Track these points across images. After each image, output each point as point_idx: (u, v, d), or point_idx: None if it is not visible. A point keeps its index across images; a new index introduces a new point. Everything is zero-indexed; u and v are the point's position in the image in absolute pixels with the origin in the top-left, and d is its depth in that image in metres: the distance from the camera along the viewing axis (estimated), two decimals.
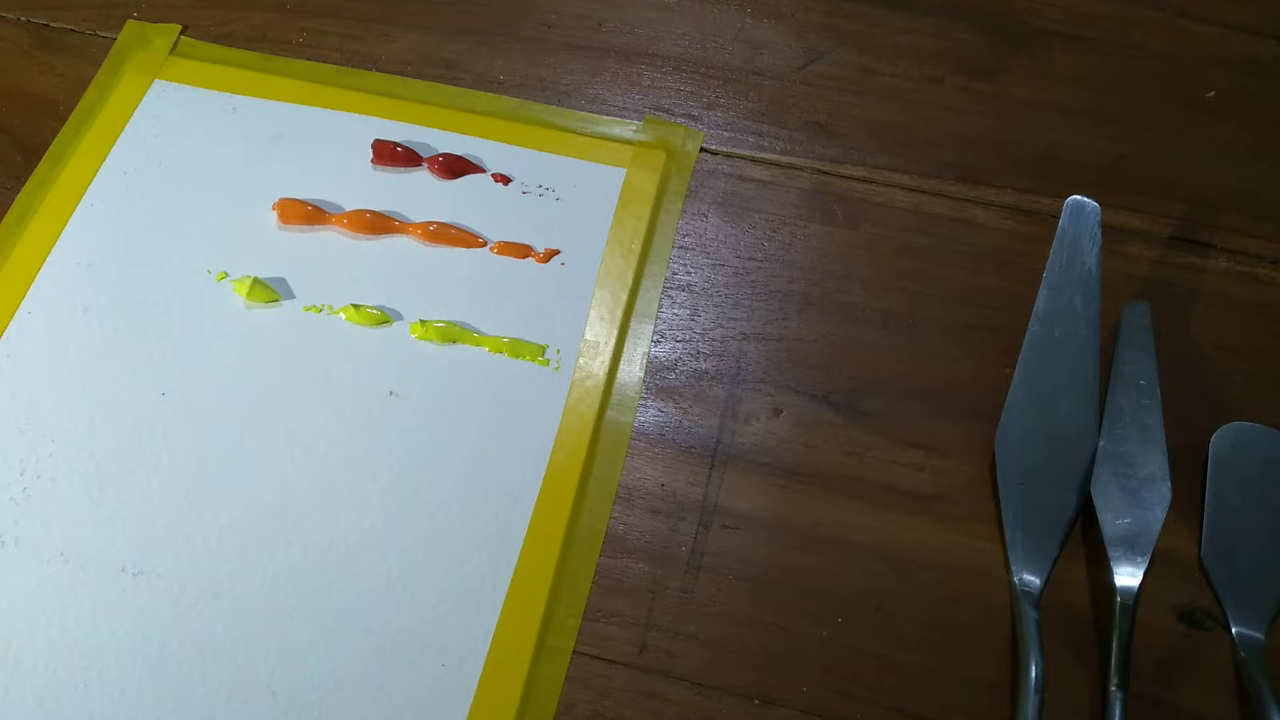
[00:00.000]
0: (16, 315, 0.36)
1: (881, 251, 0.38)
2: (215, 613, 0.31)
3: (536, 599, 0.32)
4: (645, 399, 0.35)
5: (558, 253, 0.37)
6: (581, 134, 0.40)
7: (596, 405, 0.35)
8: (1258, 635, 0.31)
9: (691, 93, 0.41)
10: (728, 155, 0.40)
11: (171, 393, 0.35)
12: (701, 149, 0.40)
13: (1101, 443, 0.32)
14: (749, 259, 0.38)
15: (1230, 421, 0.33)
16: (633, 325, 0.36)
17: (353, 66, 0.42)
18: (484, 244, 0.38)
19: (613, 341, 0.36)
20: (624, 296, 0.36)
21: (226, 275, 0.37)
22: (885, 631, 0.31)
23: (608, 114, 0.40)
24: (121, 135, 0.40)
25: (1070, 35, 0.42)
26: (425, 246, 0.38)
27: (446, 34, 0.43)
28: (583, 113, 0.40)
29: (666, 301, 0.37)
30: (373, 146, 0.39)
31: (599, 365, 0.35)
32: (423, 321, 0.36)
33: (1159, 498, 0.31)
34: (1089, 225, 0.34)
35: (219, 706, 0.30)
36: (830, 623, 0.31)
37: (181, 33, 0.43)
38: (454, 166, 0.39)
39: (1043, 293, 0.34)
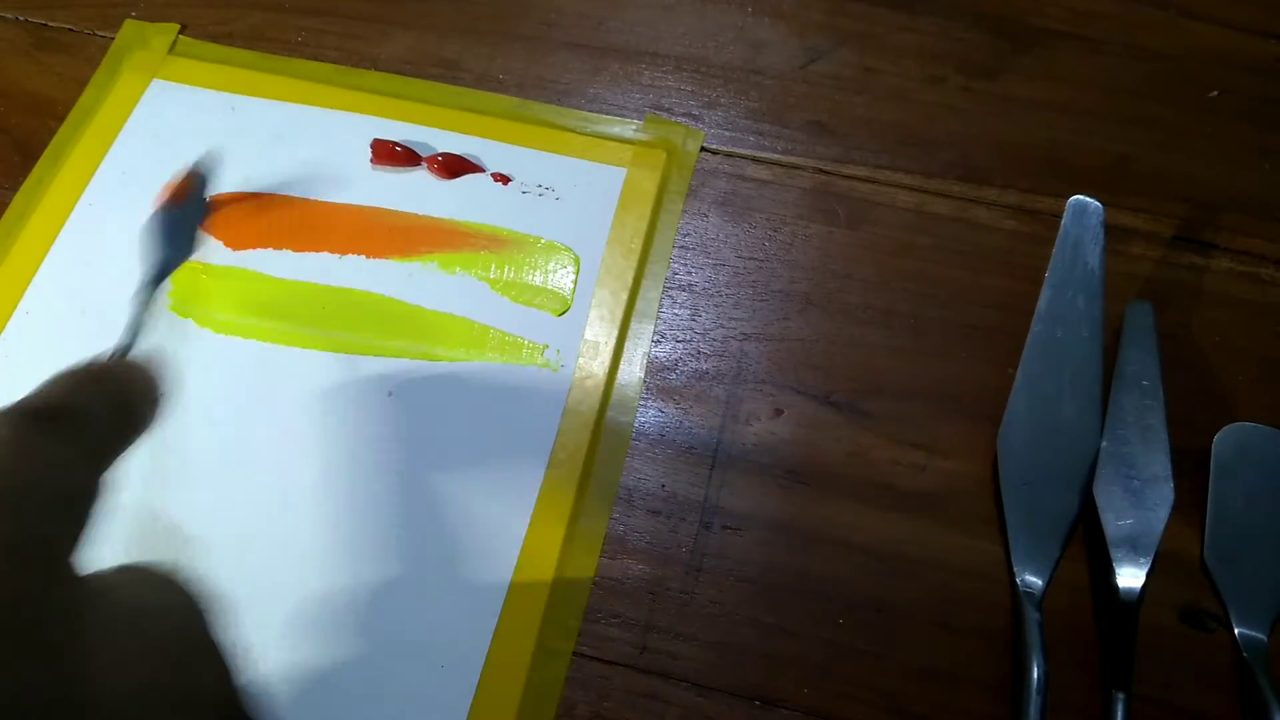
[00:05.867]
0: (14, 315, 0.36)
1: (883, 251, 0.38)
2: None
3: (536, 600, 0.31)
4: (646, 399, 0.35)
5: None
6: (582, 133, 0.40)
7: (597, 405, 0.34)
8: (1260, 636, 0.31)
9: (692, 92, 0.41)
10: (729, 155, 0.40)
11: (169, 392, 0.35)
12: (702, 148, 0.40)
13: (1104, 443, 0.32)
14: (750, 259, 0.38)
15: (1233, 422, 0.33)
16: (633, 325, 0.36)
17: (352, 66, 0.42)
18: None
19: (613, 341, 0.36)
20: (624, 296, 0.36)
21: None
22: (887, 633, 0.31)
23: (608, 113, 0.40)
24: (120, 135, 0.40)
25: (1073, 35, 0.42)
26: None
27: (446, 33, 0.42)
28: (583, 112, 0.40)
29: (667, 301, 0.37)
30: (372, 146, 0.39)
31: (599, 365, 0.35)
32: None
33: (1162, 498, 0.31)
34: (1091, 225, 0.34)
35: None
36: (832, 624, 0.31)
37: (180, 32, 0.42)
38: (453, 166, 0.39)
39: (1045, 293, 0.34)
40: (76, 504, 0.17)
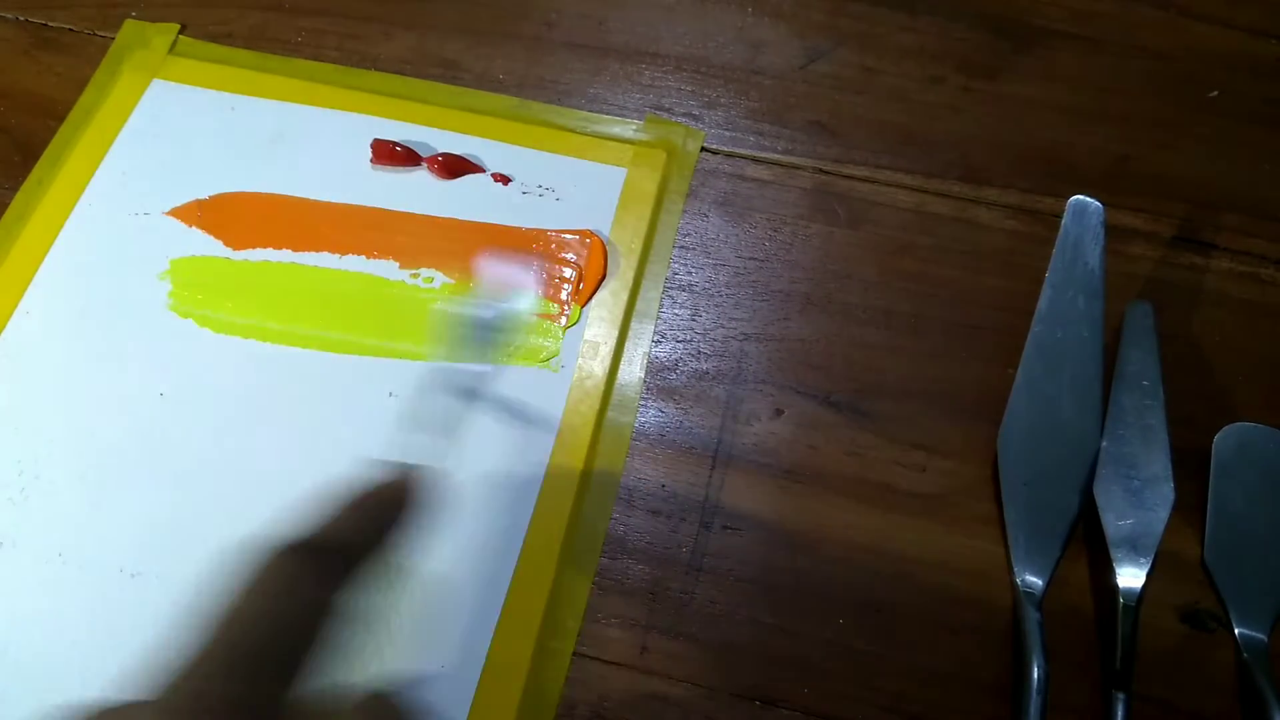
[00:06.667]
0: (14, 315, 0.36)
1: (883, 251, 0.38)
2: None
3: (537, 600, 0.31)
4: (646, 399, 0.35)
5: None
6: (582, 133, 0.40)
7: (597, 405, 0.34)
8: (1260, 636, 0.31)
9: (692, 92, 0.41)
10: (729, 155, 0.40)
11: (170, 393, 0.35)
12: (702, 148, 0.40)
13: (1104, 443, 0.32)
14: (750, 259, 0.38)
15: (1233, 422, 0.33)
16: (633, 325, 0.36)
17: (352, 66, 0.42)
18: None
19: (613, 341, 0.36)
20: (624, 296, 0.36)
21: None
22: (887, 633, 0.31)
23: (608, 113, 0.40)
24: (120, 135, 0.40)
25: (1072, 35, 0.42)
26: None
27: (446, 33, 0.42)
28: (583, 112, 0.40)
29: (667, 301, 0.37)
30: (372, 146, 0.39)
31: (599, 365, 0.35)
32: None
33: (1162, 498, 0.31)
34: (1092, 225, 0.34)
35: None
36: (832, 624, 0.31)
37: (180, 32, 0.42)
38: (453, 166, 0.39)
39: (1045, 293, 0.34)
40: (314, 631, 0.18)
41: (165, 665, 0.16)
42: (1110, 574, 0.31)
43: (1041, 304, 0.34)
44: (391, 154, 0.39)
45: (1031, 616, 0.30)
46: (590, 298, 0.36)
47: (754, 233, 0.38)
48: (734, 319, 0.36)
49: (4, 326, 0.36)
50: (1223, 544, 0.32)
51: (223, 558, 0.32)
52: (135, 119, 0.40)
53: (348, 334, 0.36)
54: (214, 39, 0.42)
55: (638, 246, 0.37)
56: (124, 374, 0.35)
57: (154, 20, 0.43)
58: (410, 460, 0.24)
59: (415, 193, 0.38)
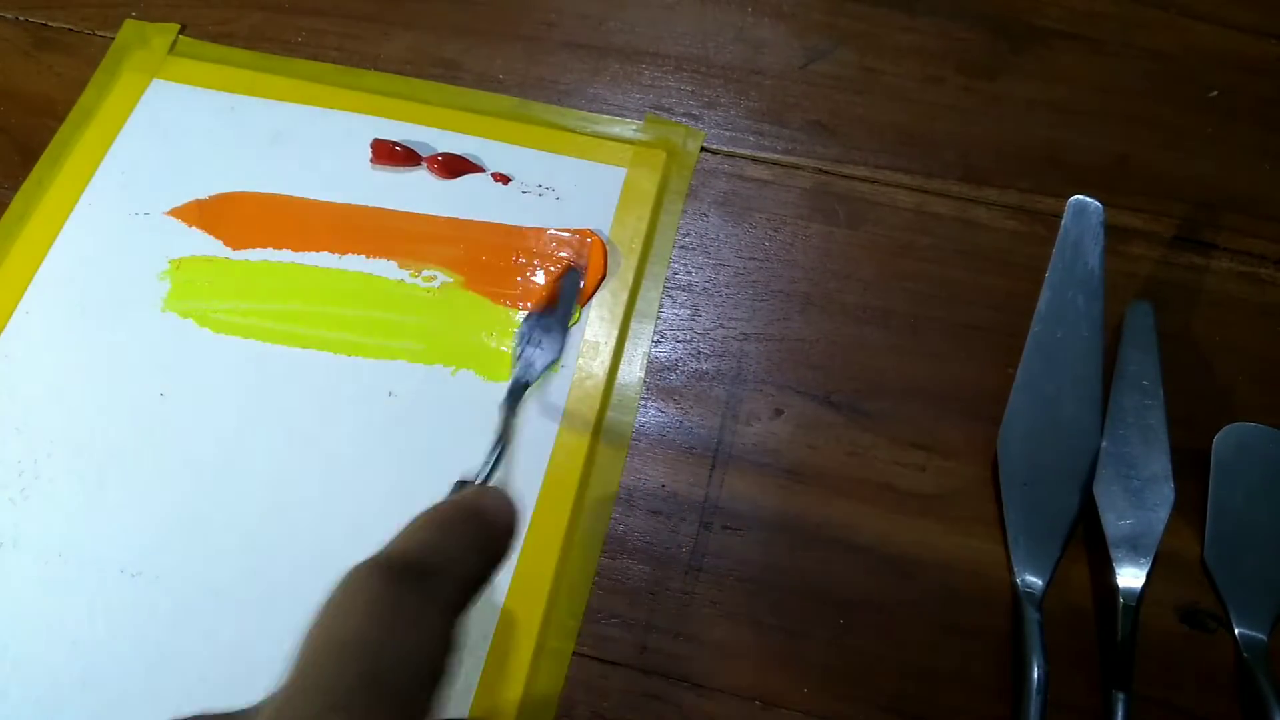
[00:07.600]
0: (14, 315, 0.36)
1: (883, 251, 0.38)
2: (214, 613, 0.31)
3: (537, 600, 0.31)
4: (646, 399, 0.35)
5: None
6: (582, 133, 0.40)
7: (597, 406, 0.34)
8: (1260, 636, 0.31)
9: (692, 92, 0.41)
10: (729, 155, 0.40)
11: (170, 393, 0.35)
12: (702, 148, 0.40)
13: (1104, 443, 0.32)
14: (750, 259, 0.38)
15: (1233, 422, 0.33)
16: (633, 325, 0.36)
17: (352, 66, 0.42)
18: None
19: (613, 342, 0.36)
20: (624, 296, 0.36)
21: None
22: (887, 633, 0.31)
23: (608, 113, 0.40)
24: (119, 135, 0.40)
25: (1072, 35, 0.42)
26: None
27: (446, 33, 0.42)
28: (583, 112, 0.40)
29: (667, 301, 0.37)
30: (372, 146, 0.39)
31: (599, 365, 0.35)
32: None
33: (1162, 498, 0.31)
34: (1091, 225, 0.33)
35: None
36: (831, 624, 0.31)
37: (180, 32, 0.42)
38: (453, 166, 0.39)
39: (1045, 293, 0.34)
40: (436, 663, 0.16)
41: (283, 696, 0.15)
42: (1110, 574, 0.31)
43: (1041, 304, 0.33)
44: (391, 154, 0.39)
45: (1031, 616, 0.30)
46: (590, 297, 0.36)
47: (754, 233, 0.38)
48: (734, 319, 0.36)
49: (4, 326, 0.36)
50: (1223, 544, 0.32)
51: (223, 558, 0.32)
52: (135, 119, 0.40)
53: (348, 334, 0.36)
54: (214, 39, 0.42)
55: (638, 246, 0.37)
56: (124, 374, 0.35)
57: (154, 20, 0.43)
58: (488, 481, 0.24)
59: (415, 192, 0.38)
